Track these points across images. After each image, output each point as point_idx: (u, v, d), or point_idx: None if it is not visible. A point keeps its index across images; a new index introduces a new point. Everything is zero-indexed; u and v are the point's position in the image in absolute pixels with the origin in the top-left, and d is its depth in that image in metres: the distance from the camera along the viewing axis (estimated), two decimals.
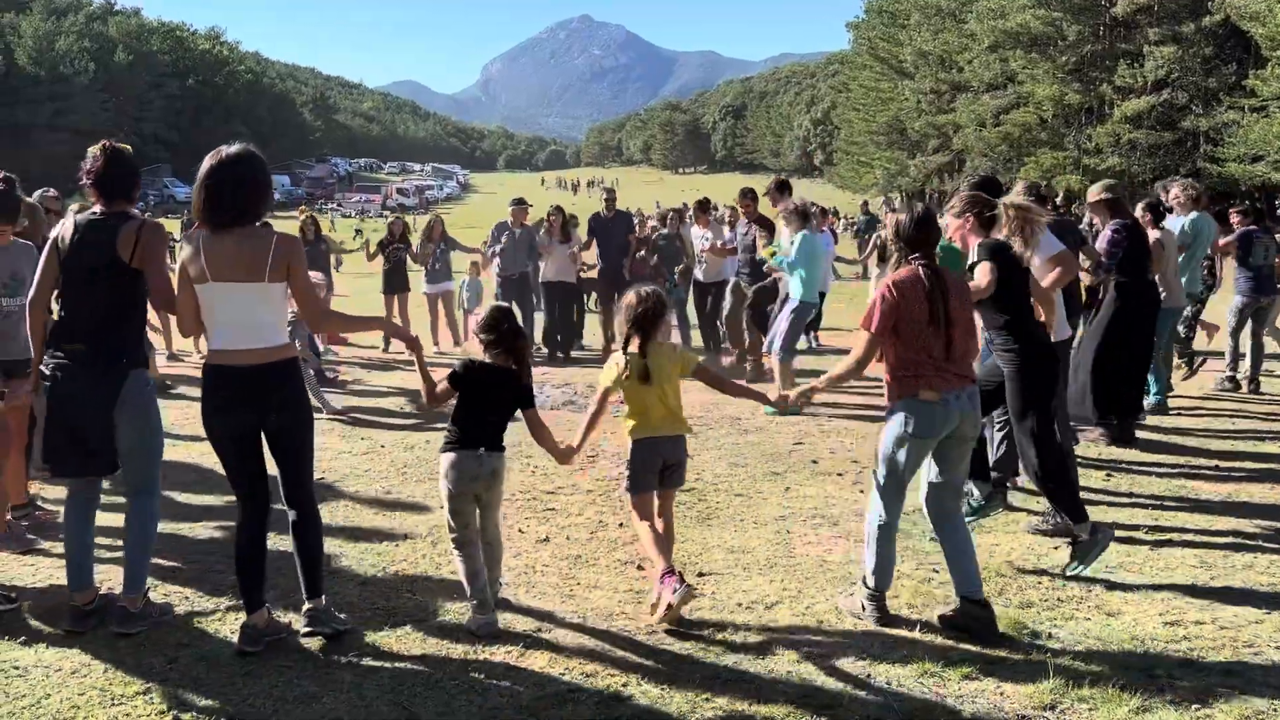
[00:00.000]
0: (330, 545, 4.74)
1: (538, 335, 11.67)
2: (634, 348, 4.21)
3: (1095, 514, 5.57)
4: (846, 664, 3.82)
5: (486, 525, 4.23)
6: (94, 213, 4.07)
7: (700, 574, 4.76)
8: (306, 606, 3.97)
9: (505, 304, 4.62)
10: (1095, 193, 7.60)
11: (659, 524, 4.32)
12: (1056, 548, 5.08)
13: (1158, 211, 8.34)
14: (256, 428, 3.86)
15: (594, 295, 13.99)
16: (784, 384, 8.09)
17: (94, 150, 4.11)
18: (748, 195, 10.57)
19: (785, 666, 3.79)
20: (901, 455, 4.06)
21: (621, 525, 5.42)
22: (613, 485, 6.16)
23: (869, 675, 3.72)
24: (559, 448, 4.32)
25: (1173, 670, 3.72)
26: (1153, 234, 7.98)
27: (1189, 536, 5.28)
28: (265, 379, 3.77)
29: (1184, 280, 8.58)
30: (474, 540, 4.15)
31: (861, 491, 6.13)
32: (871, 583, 4.16)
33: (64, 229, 4.07)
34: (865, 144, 61.72)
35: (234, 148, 3.83)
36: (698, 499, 5.91)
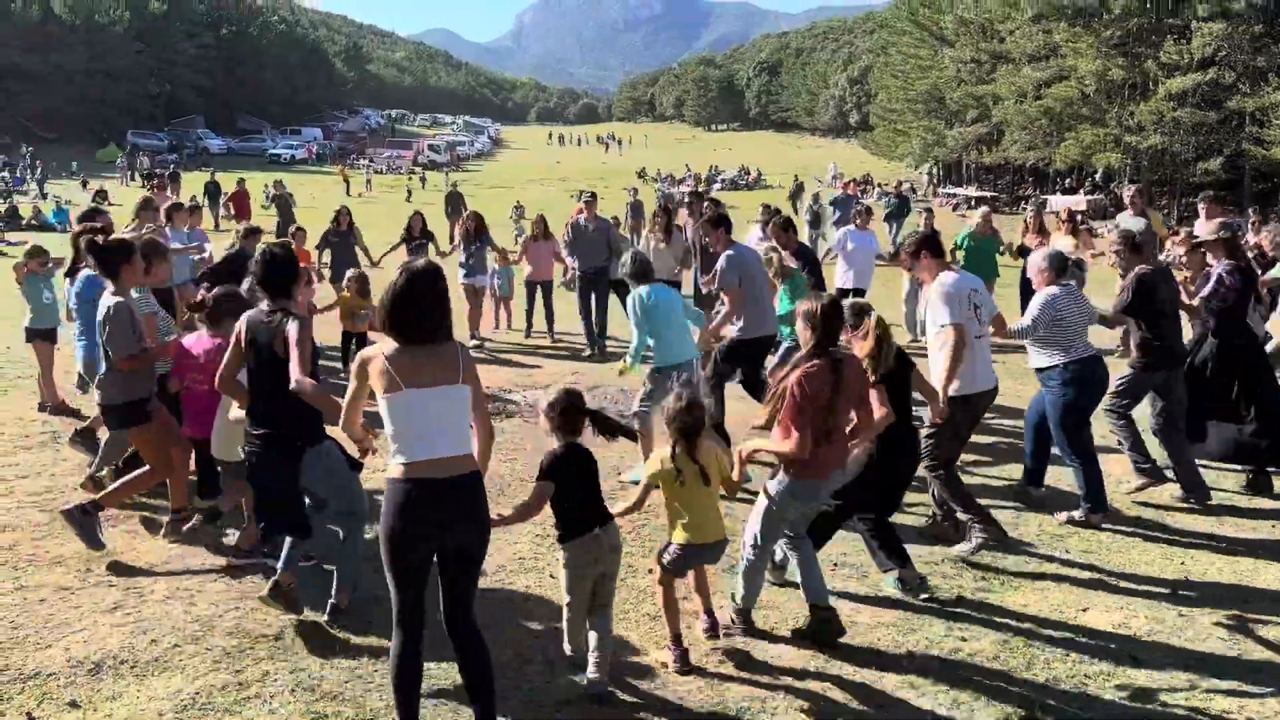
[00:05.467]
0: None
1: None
2: (681, 450, 4.23)
3: (1126, 561, 5.56)
4: None
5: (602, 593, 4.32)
6: (265, 309, 4.51)
7: (727, 632, 4.81)
8: None
9: (572, 388, 4.36)
10: (1210, 230, 7.76)
11: (694, 592, 4.58)
12: (1085, 609, 5.10)
13: None
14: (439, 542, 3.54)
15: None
16: (643, 443, 6.47)
17: (260, 253, 4.62)
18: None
19: None
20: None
21: (651, 571, 5.48)
22: (641, 521, 6.20)
23: None
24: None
25: None
26: None
27: (1220, 595, 5.31)
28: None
29: None
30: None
31: None
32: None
33: (244, 323, 4.56)
34: (903, 112, 60.70)
35: (420, 263, 3.63)
36: None
